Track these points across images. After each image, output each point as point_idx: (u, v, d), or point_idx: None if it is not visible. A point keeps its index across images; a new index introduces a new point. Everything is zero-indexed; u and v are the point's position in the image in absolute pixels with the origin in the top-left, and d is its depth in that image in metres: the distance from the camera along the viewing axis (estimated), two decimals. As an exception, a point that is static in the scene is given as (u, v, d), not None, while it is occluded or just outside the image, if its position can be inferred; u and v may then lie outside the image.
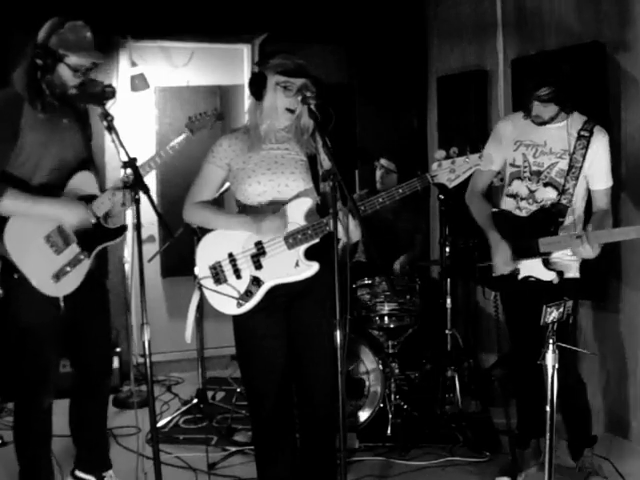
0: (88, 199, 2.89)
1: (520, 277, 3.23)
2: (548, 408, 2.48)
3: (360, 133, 5.46)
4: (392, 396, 4.01)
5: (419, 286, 4.26)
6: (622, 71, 3.80)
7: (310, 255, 2.73)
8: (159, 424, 4.20)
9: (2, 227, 2.72)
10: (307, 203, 2.74)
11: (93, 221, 2.87)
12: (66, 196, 2.85)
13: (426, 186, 2.65)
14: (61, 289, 2.82)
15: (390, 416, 3.96)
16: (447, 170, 2.62)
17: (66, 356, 3.12)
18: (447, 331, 4.20)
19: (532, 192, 3.26)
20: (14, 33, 4.45)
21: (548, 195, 3.23)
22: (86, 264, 2.89)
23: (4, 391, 4.50)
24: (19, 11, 4.50)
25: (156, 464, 2.53)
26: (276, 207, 2.74)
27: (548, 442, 2.50)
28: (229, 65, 5.70)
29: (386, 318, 4.17)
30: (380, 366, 3.93)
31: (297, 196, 2.76)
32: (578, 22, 4.07)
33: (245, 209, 2.82)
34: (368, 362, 3.95)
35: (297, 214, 2.73)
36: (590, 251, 3.00)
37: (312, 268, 2.72)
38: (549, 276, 3.17)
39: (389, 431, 3.92)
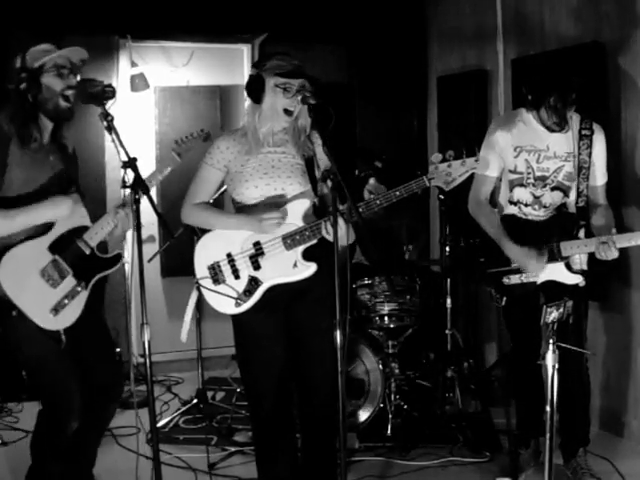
0: (80, 231, 2.88)
1: (540, 282, 3.18)
2: (548, 408, 2.48)
3: (360, 133, 5.45)
4: (392, 396, 4.01)
5: (419, 286, 4.26)
6: (622, 71, 3.80)
7: (308, 255, 2.73)
8: (159, 424, 4.20)
9: None
10: (305, 204, 2.75)
11: (87, 252, 2.86)
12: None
13: (423, 188, 2.66)
14: (61, 322, 2.79)
15: (390, 416, 3.96)
16: (444, 173, 2.63)
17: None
18: (447, 331, 4.19)
19: (537, 198, 3.24)
20: (14, 33, 4.45)
21: (557, 199, 3.23)
22: (84, 295, 2.87)
23: (4, 391, 4.50)
24: (19, 11, 4.50)
25: (156, 464, 2.52)
26: (274, 205, 2.75)
27: (548, 442, 2.50)
28: (229, 65, 5.70)
29: (386, 318, 4.17)
30: (380, 366, 3.92)
31: (295, 197, 2.77)
32: (578, 22, 4.07)
33: (242, 209, 2.83)
34: (368, 362, 3.95)
35: (295, 215, 2.74)
36: (616, 253, 2.98)
37: (310, 269, 2.73)
38: (574, 279, 3.13)
39: (389, 431, 3.92)
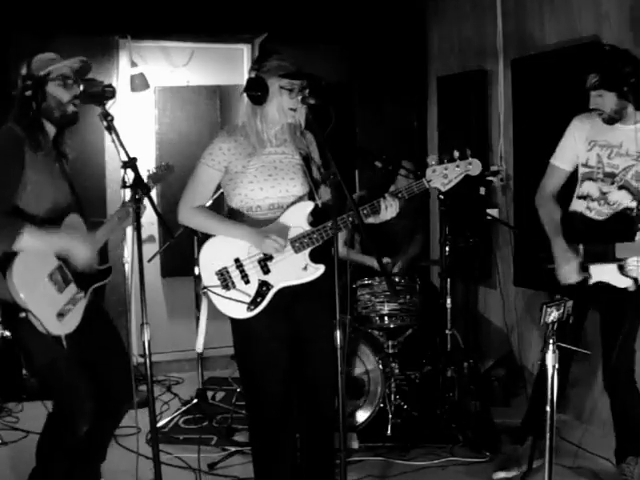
0: None
1: (591, 282, 3.16)
2: (548, 408, 2.48)
3: (360, 133, 5.46)
4: (392, 396, 4.01)
5: (419, 286, 4.25)
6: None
7: (314, 257, 2.76)
8: (159, 424, 4.20)
9: (8, 266, 2.68)
10: (309, 206, 2.77)
11: (96, 258, 2.88)
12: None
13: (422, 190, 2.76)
14: (64, 327, 2.80)
15: (390, 416, 3.96)
16: (441, 175, 2.74)
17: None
18: (447, 331, 4.19)
19: (604, 194, 3.19)
20: (14, 33, 4.45)
21: (622, 199, 3.16)
22: (83, 303, 2.89)
23: (4, 391, 4.50)
24: (19, 11, 4.50)
25: (156, 464, 2.53)
26: (272, 215, 2.76)
27: (548, 442, 2.50)
28: (229, 65, 5.71)
29: (386, 318, 4.17)
30: (380, 366, 3.92)
31: (298, 200, 2.78)
32: (578, 22, 4.07)
33: (239, 214, 2.81)
34: (368, 362, 3.95)
35: (300, 218, 2.75)
36: None
37: (319, 270, 2.76)
38: (624, 283, 3.10)
39: (389, 431, 3.92)
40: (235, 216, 2.83)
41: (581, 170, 3.29)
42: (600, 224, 3.20)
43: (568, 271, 3.17)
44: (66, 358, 2.83)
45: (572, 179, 3.38)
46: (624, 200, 3.17)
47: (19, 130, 2.77)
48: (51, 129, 2.86)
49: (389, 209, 2.72)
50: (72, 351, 2.83)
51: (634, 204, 3.15)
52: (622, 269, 3.09)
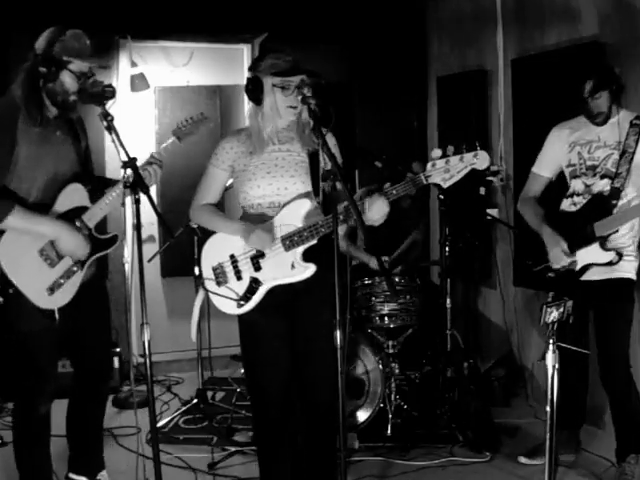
0: (79, 211, 2.89)
1: (578, 268, 3.24)
2: (548, 408, 2.48)
3: (360, 133, 5.45)
4: (392, 396, 4.01)
5: (419, 286, 4.26)
6: (622, 71, 3.79)
7: (310, 256, 2.74)
8: (159, 424, 4.20)
9: None
10: (305, 205, 2.74)
11: (85, 233, 2.88)
12: (64, 220, 2.84)
13: (420, 187, 2.66)
14: (55, 301, 2.82)
15: (390, 416, 3.96)
16: (442, 170, 2.62)
17: (67, 358, 3.14)
18: (447, 331, 4.19)
19: (588, 186, 3.29)
20: (14, 33, 4.45)
21: (604, 187, 3.24)
22: (79, 275, 2.89)
23: (4, 391, 4.50)
24: (19, 11, 4.50)
25: (156, 464, 2.53)
26: (272, 213, 2.76)
27: (548, 442, 2.50)
28: (229, 65, 5.70)
29: (386, 318, 4.17)
30: (380, 366, 3.92)
31: (295, 198, 2.76)
32: (578, 22, 4.07)
33: (245, 212, 2.84)
34: (368, 362, 3.95)
35: (295, 216, 2.73)
36: None
37: (308, 269, 2.73)
38: (607, 257, 3.17)
39: (389, 431, 3.92)
40: (243, 214, 2.87)
41: (566, 171, 3.40)
42: (576, 213, 3.30)
43: (557, 254, 3.26)
44: (48, 334, 2.85)
45: (561, 188, 3.46)
46: (606, 188, 3.24)
47: (19, 98, 2.77)
48: (52, 106, 2.87)
49: (374, 208, 2.60)
50: (63, 324, 2.85)
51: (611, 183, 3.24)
52: (604, 245, 3.18)
